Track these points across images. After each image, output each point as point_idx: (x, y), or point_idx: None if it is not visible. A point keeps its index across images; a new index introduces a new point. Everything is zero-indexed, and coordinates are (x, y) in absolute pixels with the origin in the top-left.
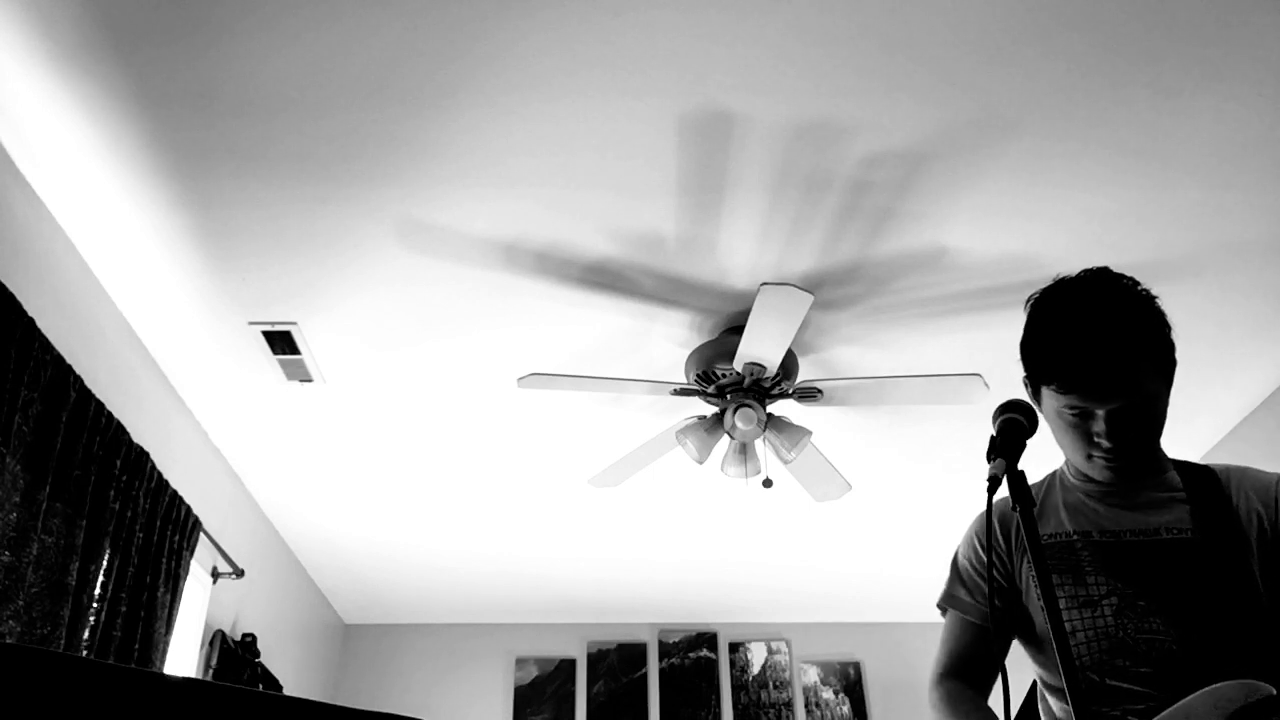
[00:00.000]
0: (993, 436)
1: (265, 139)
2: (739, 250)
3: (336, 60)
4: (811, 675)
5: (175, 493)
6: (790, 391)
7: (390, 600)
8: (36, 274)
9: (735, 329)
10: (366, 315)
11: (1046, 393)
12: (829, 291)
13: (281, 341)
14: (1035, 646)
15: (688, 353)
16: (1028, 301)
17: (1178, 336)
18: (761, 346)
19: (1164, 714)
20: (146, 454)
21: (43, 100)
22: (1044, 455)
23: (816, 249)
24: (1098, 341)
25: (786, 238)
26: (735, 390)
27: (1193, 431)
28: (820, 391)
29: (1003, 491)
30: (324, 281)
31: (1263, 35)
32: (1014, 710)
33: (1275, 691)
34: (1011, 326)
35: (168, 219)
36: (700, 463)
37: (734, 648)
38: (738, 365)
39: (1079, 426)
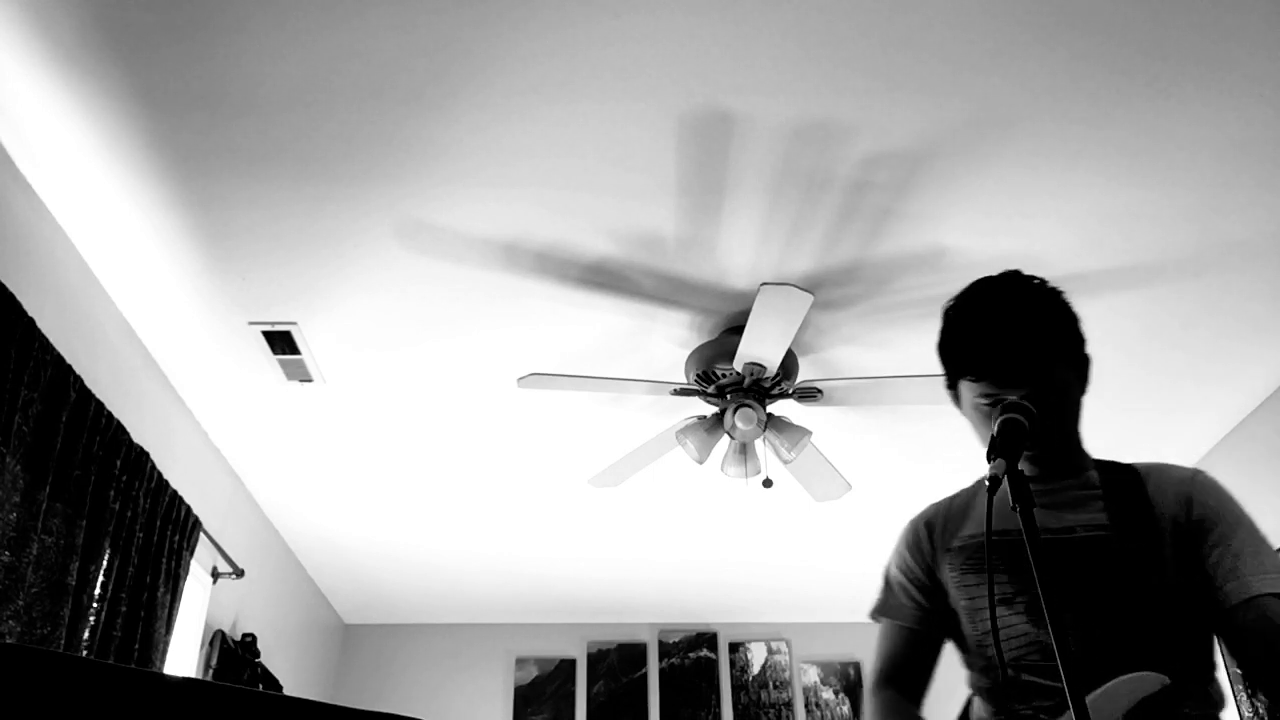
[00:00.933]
0: (993, 436)
1: (266, 139)
2: (739, 250)
3: (338, 61)
4: (811, 675)
5: (175, 493)
6: (790, 391)
7: (390, 600)
8: (36, 274)
9: (735, 329)
10: (366, 315)
11: (963, 386)
12: (829, 291)
13: (281, 341)
14: (961, 647)
15: (688, 353)
16: (948, 305)
17: (1177, 337)
18: (761, 346)
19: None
20: (146, 454)
21: (43, 100)
22: None
23: (816, 249)
24: (1004, 327)
25: (786, 238)
26: (735, 390)
27: (1193, 431)
28: (820, 391)
29: (911, 496)
30: (324, 281)
31: (1263, 35)
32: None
33: (1169, 681)
34: None
35: (168, 219)
36: (700, 463)
37: (734, 648)
38: (738, 365)
39: (995, 417)
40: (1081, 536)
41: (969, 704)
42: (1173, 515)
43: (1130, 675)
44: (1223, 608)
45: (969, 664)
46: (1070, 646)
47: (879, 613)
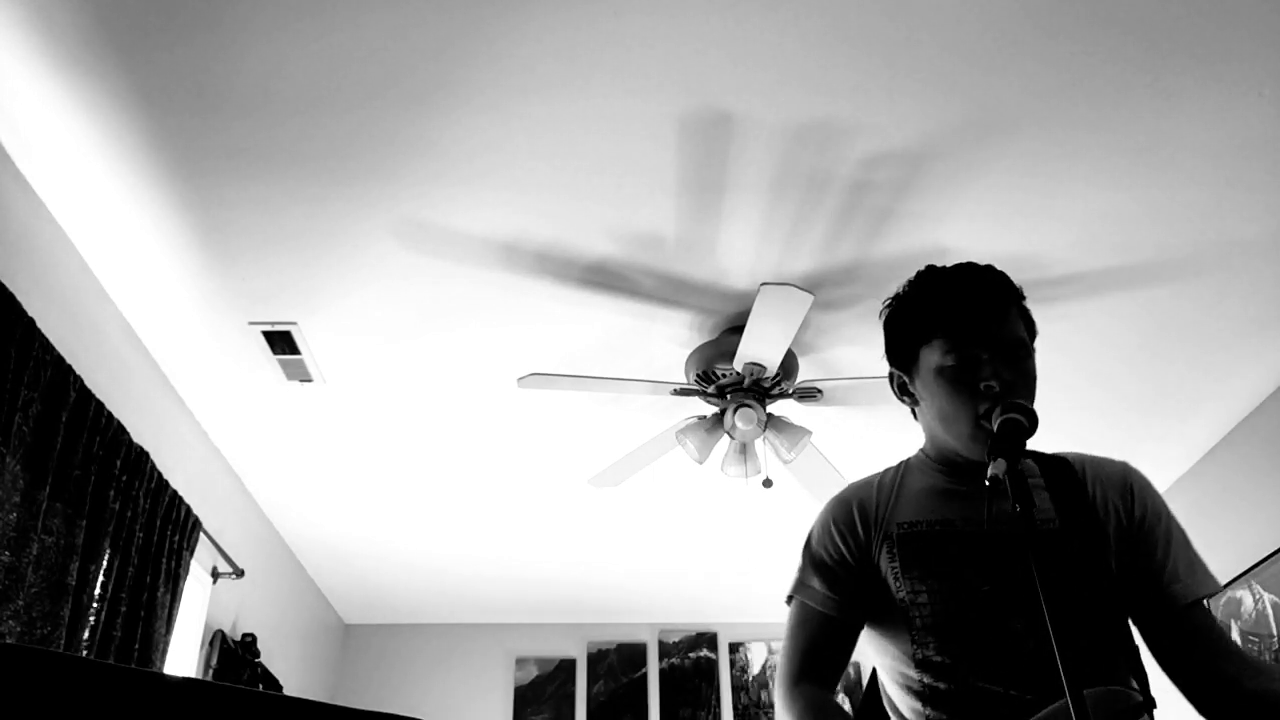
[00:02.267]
0: (993, 436)
1: (266, 139)
2: (739, 250)
3: (338, 60)
4: None
5: (175, 493)
6: (790, 391)
7: (390, 600)
8: (36, 274)
9: (735, 329)
10: (366, 315)
11: (925, 354)
12: (829, 291)
13: (281, 341)
14: (893, 639)
15: (688, 353)
16: (889, 302)
17: (1178, 336)
18: (761, 346)
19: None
20: (146, 454)
21: (43, 100)
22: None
23: (816, 249)
24: (977, 287)
25: (786, 238)
26: (735, 390)
27: (1193, 431)
28: (820, 391)
29: (849, 469)
30: (324, 281)
31: (1263, 35)
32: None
33: (1142, 699)
34: None
35: (168, 219)
36: (700, 463)
37: (734, 648)
38: (738, 365)
39: (963, 381)
40: (1040, 530)
41: (874, 687)
42: (1114, 508)
43: (1103, 689)
44: (1173, 608)
45: (900, 657)
46: (1028, 645)
47: (799, 596)
